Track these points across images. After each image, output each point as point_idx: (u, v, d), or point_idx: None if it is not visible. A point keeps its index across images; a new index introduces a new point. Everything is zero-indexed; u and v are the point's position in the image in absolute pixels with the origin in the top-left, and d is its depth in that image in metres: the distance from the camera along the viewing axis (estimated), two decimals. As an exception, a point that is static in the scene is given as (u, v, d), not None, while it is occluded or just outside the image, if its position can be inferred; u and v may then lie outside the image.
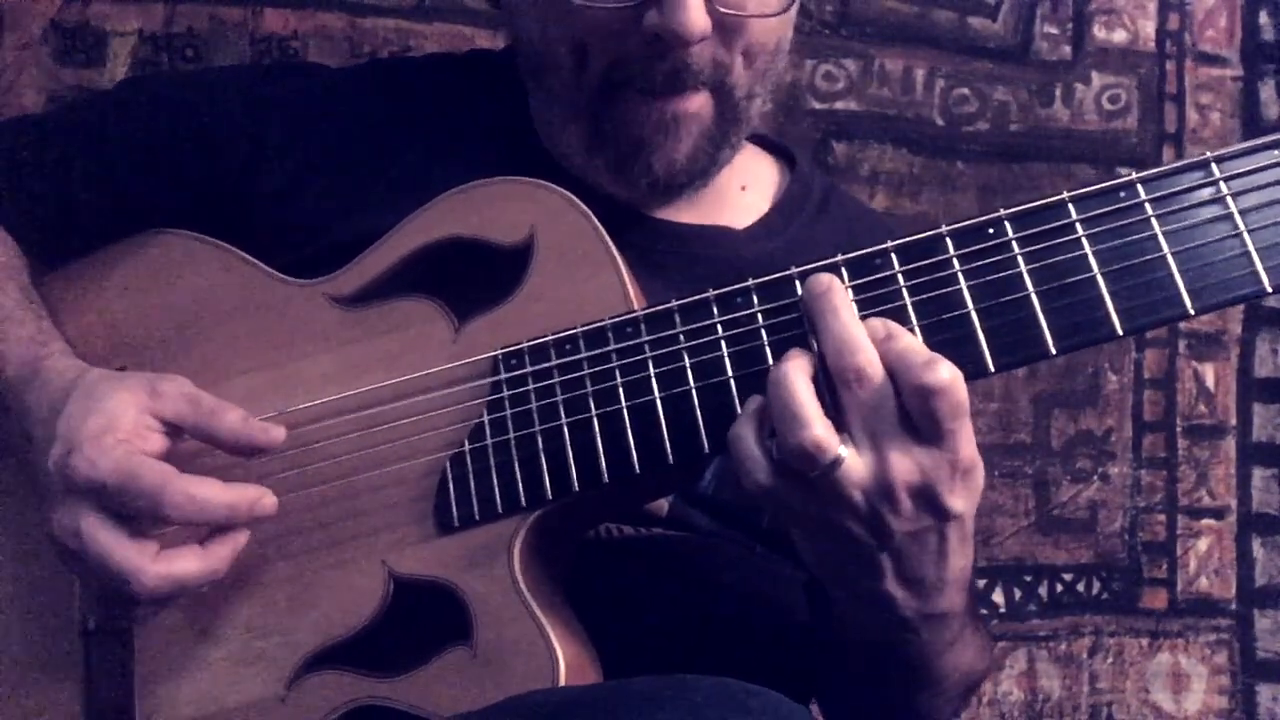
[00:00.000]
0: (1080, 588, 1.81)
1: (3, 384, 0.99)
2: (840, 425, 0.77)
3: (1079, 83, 1.81)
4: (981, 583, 1.73)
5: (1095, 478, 1.80)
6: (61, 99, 1.46)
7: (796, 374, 0.77)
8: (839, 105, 1.73)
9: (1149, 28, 1.83)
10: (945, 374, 0.75)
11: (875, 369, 0.76)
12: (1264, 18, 1.86)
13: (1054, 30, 1.80)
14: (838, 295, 0.79)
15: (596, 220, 0.93)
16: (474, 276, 0.94)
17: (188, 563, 0.89)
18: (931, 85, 1.77)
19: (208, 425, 0.91)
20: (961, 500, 0.78)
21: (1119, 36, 1.82)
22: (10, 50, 1.46)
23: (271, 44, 1.55)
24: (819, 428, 0.75)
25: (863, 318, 0.79)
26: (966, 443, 0.77)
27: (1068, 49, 1.81)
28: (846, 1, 1.73)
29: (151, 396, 0.91)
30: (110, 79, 1.48)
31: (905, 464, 0.76)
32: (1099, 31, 1.81)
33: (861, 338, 0.77)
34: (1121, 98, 1.82)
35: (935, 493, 0.77)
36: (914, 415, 0.76)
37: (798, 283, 0.84)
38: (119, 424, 0.89)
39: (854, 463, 0.76)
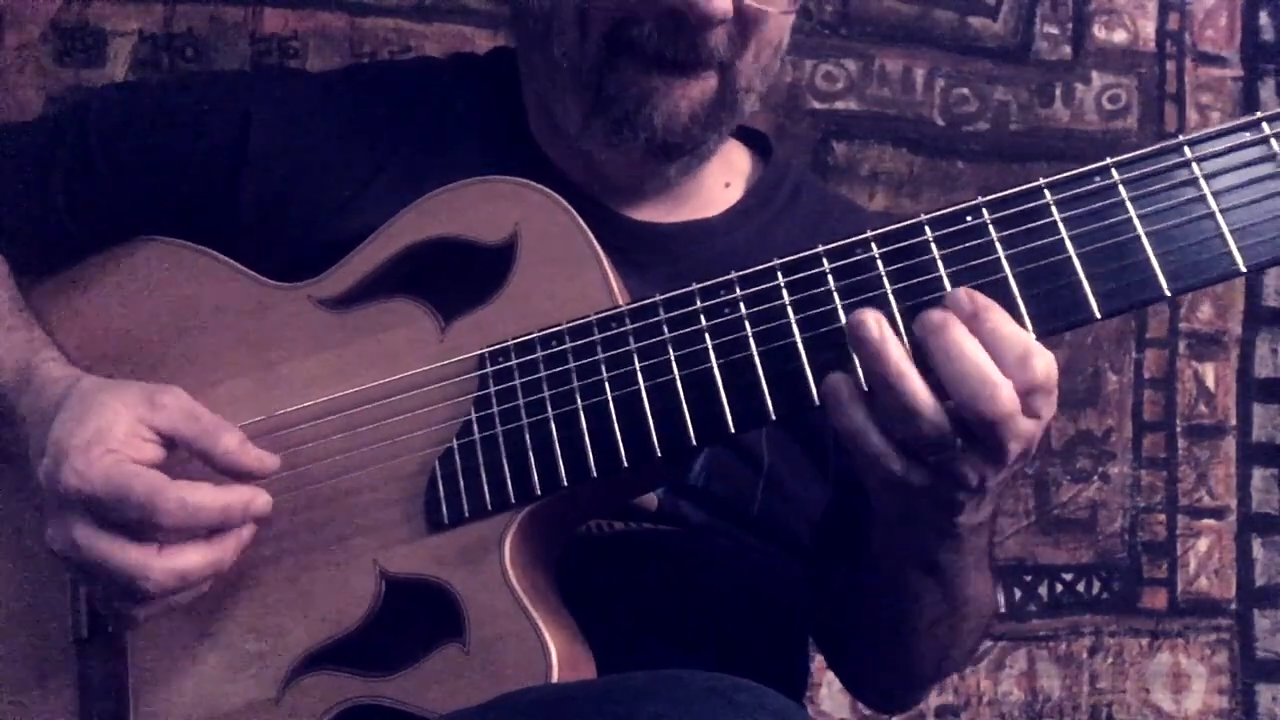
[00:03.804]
0: (1080, 588, 1.80)
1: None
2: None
3: (1079, 83, 1.81)
4: (981, 582, 1.72)
5: (1095, 478, 1.80)
6: (61, 99, 1.47)
7: (911, 368, 0.77)
8: (839, 105, 1.73)
9: (1149, 28, 1.83)
10: (1041, 369, 0.76)
11: (1009, 390, 0.76)
12: (1264, 18, 1.85)
13: (1054, 30, 1.80)
14: (958, 329, 0.77)
15: (579, 218, 0.93)
16: (458, 276, 0.94)
17: (193, 555, 0.89)
18: (931, 85, 1.76)
19: (204, 444, 0.91)
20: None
21: (1119, 36, 1.82)
22: (10, 50, 1.46)
23: (271, 44, 1.55)
24: (940, 417, 0.77)
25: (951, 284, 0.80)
26: (1053, 406, 0.79)
27: (1068, 49, 1.81)
28: (846, 1, 1.73)
29: (149, 408, 0.91)
30: (110, 79, 1.48)
31: (1015, 445, 0.78)
32: (1099, 31, 1.81)
33: (995, 373, 0.76)
34: (1121, 98, 1.82)
35: (1032, 450, 0.81)
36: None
37: (779, 273, 0.85)
38: (109, 434, 0.88)
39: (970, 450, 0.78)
